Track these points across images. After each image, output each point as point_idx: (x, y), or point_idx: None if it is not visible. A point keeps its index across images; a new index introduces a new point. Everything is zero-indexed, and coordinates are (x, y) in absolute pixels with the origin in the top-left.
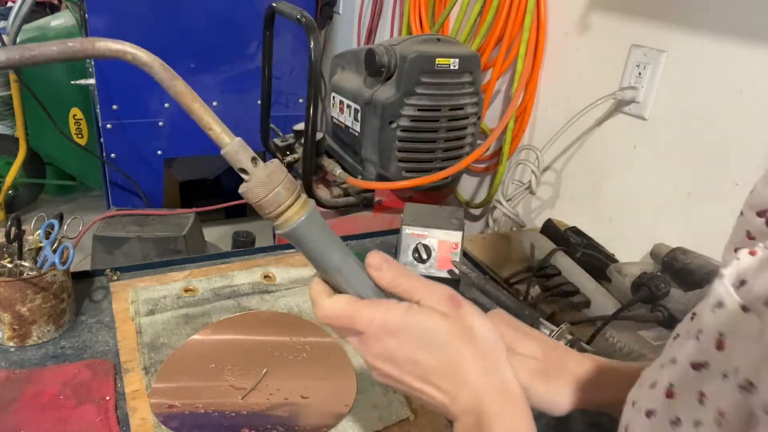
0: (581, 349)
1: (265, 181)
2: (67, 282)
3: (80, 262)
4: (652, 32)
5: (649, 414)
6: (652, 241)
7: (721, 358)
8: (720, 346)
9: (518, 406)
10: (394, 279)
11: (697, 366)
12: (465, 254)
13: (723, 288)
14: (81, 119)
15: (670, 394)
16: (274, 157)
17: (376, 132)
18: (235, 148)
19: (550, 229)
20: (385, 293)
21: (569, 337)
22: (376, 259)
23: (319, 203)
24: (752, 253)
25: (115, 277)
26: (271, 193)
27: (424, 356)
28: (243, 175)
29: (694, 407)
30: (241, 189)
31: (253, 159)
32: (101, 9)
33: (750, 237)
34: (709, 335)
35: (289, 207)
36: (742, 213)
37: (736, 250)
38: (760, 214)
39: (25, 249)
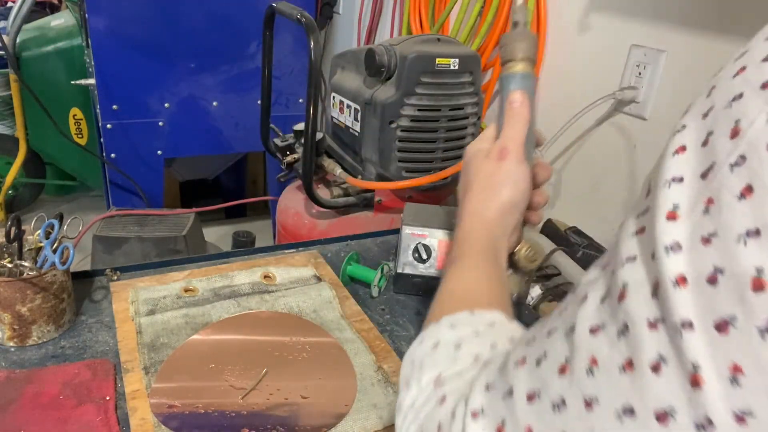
0: None
1: (520, 36)
2: (67, 282)
3: (80, 262)
4: (652, 32)
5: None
6: None
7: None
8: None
9: (470, 227)
10: (507, 116)
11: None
12: None
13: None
14: (81, 119)
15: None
16: (274, 157)
17: (376, 132)
18: (521, 8)
19: (550, 229)
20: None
21: None
22: (517, 97)
23: (319, 203)
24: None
25: (115, 277)
26: (516, 43)
27: (463, 178)
28: (512, 27)
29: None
30: (505, 34)
31: (526, 23)
32: (101, 9)
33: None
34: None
35: (521, 61)
36: None
37: None
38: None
39: (25, 249)
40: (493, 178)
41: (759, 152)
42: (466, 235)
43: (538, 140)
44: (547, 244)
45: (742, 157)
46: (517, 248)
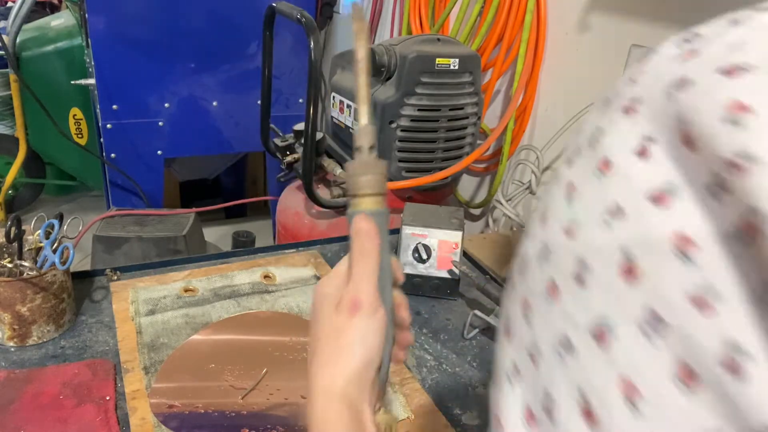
0: None
1: (365, 166)
2: (67, 282)
3: (80, 262)
4: (652, 32)
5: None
6: None
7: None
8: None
9: (326, 410)
10: (354, 254)
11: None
12: (465, 254)
13: None
14: (81, 119)
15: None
16: (274, 157)
17: (376, 132)
18: (365, 130)
19: None
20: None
21: None
22: (363, 226)
23: (319, 203)
24: None
25: (115, 277)
26: (360, 176)
27: (312, 326)
28: (356, 153)
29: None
30: (348, 163)
31: (371, 147)
32: (101, 9)
33: None
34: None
35: (366, 196)
36: None
37: None
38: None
39: (25, 249)
40: (342, 338)
41: None
42: (323, 423)
43: (396, 278)
44: None
45: None
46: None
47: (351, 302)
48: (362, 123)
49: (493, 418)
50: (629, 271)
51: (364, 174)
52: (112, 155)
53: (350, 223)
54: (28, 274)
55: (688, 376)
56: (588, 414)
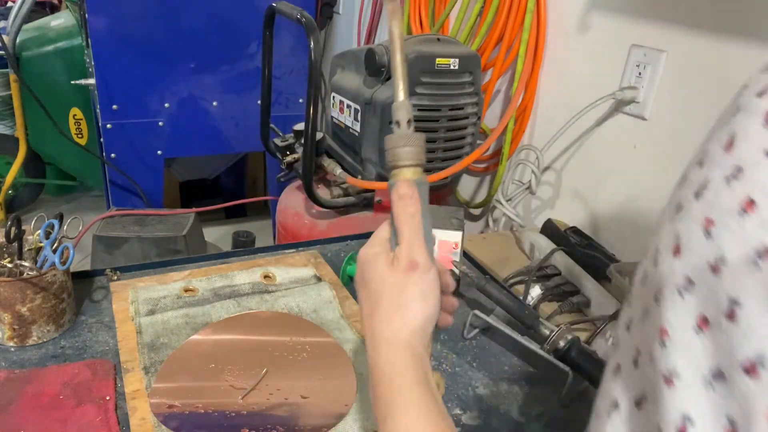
0: (581, 350)
1: (403, 139)
2: (67, 282)
3: (80, 262)
4: (652, 32)
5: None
6: None
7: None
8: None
9: (392, 356)
10: (400, 216)
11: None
12: (465, 254)
13: None
14: (81, 119)
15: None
16: (274, 157)
17: (376, 132)
18: (402, 105)
19: (550, 229)
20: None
21: (569, 337)
22: (406, 191)
23: (319, 203)
24: None
25: (115, 277)
26: (399, 149)
27: (362, 289)
28: (395, 127)
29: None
30: (387, 137)
31: (409, 121)
32: (101, 9)
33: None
34: None
35: (405, 168)
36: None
37: None
38: None
39: (25, 249)
40: (403, 294)
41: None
42: (391, 368)
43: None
44: (547, 245)
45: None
46: None
47: (408, 261)
48: (399, 99)
49: (659, 331)
50: None
51: (403, 146)
52: (112, 155)
53: (391, 192)
54: (28, 274)
55: None
56: None
